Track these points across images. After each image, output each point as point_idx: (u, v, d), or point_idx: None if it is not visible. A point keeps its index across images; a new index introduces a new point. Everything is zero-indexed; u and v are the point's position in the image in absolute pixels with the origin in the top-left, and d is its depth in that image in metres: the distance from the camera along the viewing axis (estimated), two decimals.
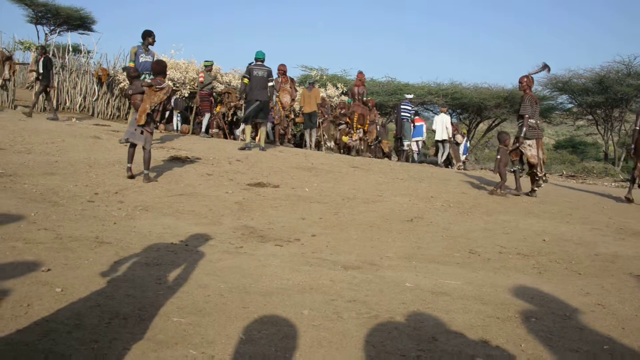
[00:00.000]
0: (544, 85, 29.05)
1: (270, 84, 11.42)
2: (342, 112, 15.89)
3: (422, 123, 17.04)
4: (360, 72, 15.10)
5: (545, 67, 9.18)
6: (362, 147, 15.20)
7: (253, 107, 11.33)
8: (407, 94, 17.80)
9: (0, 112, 12.37)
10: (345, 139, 15.33)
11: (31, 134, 9.83)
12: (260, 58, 11.53)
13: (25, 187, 6.53)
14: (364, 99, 14.98)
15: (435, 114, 34.27)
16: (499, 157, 9.05)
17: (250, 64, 11.51)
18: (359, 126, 14.92)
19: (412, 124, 16.12)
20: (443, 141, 16.21)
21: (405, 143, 15.80)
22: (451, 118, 30.53)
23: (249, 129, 11.75)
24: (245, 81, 11.40)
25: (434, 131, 16.24)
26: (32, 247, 4.30)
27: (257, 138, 12.41)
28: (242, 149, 11.23)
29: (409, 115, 15.84)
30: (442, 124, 16.00)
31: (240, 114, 15.45)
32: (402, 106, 15.88)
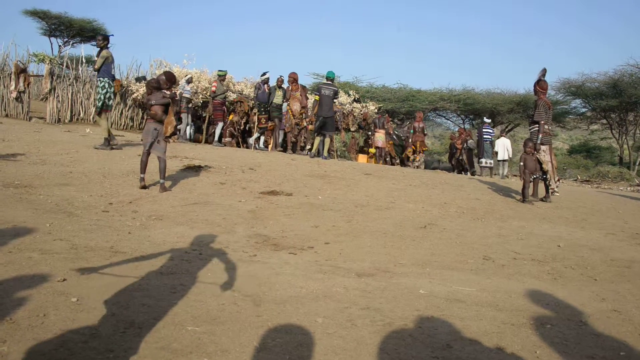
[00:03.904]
0: (557, 89, 28.98)
1: (335, 101, 12.59)
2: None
3: None
4: (419, 111, 19.86)
5: (544, 70, 9.20)
6: (418, 164, 18.27)
7: (319, 122, 12.44)
8: (487, 118, 20.36)
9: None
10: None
11: (46, 145, 9.94)
12: (330, 77, 12.63)
13: (41, 198, 6.60)
14: (425, 132, 18.65)
15: (448, 119, 34.52)
16: (521, 163, 8.98)
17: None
18: (425, 149, 18.51)
19: (490, 144, 18.40)
20: (504, 160, 18.34)
21: (488, 161, 17.76)
22: (463, 123, 30.76)
23: (317, 140, 12.77)
24: (316, 98, 12.69)
25: (496, 152, 18.37)
26: (47, 258, 4.33)
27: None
28: (313, 157, 12.45)
29: (490, 137, 18.20)
30: (504, 147, 18.24)
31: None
32: (484, 129, 18.26)
